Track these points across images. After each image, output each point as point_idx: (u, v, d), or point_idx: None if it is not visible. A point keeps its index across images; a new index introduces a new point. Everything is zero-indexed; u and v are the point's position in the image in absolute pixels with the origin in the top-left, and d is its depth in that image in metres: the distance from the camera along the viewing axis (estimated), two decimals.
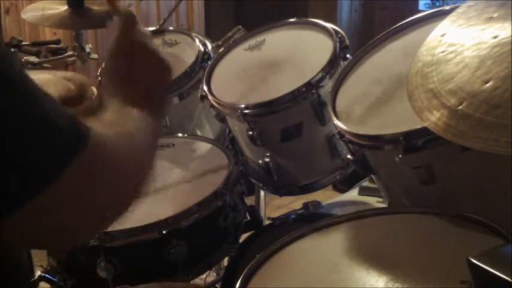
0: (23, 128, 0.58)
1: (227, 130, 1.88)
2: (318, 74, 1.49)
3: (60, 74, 1.79)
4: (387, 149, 1.17)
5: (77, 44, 2.17)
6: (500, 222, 0.99)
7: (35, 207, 0.58)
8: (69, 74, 1.82)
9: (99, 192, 0.66)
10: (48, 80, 1.70)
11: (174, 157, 1.70)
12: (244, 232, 1.64)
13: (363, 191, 1.74)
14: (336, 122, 1.29)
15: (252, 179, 1.74)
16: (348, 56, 1.56)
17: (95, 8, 2.11)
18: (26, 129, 0.58)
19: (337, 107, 1.35)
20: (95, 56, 2.28)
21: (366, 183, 1.75)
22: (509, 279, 0.71)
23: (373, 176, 1.36)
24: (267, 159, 1.59)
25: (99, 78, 1.93)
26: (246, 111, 1.51)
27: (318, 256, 1.08)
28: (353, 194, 1.77)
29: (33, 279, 1.73)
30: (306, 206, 1.66)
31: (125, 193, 0.73)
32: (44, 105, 0.60)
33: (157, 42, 2.01)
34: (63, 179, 0.59)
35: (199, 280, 2.17)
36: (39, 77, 1.75)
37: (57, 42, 2.79)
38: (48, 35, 3.43)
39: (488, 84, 0.87)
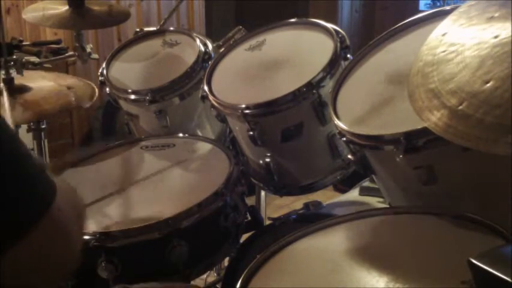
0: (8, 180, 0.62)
1: (228, 130, 1.88)
2: (318, 74, 1.49)
3: (63, 81, 1.80)
4: (388, 149, 1.17)
5: (77, 44, 2.17)
6: (500, 222, 0.99)
7: (12, 256, 0.62)
8: (71, 81, 1.83)
9: (62, 246, 0.70)
10: (50, 90, 1.71)
11: (174, 157, 1.70)
12: (245, 232, 1.64)
13: (364, 191, 1.74)
14: (337, 122, 1.29)
15: (253, 179, 1.74)
16: (348, 56, 1.56)
17: (96, 8, 2.11)
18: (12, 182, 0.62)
19: (338, 107, 1.35)
20: (95, 56, 2.27)
21: (366, 183, 1.75)
22: (510, 280, 0.71)
23: (373, 176, 1.36)
24: (267, 160, 1.59)
25: (100, 78, 1.94)
26: (247, 111, 1.51)
27: (319, 256, 1.08)
28: (354, 194, 1.77)
29: None
30: (306, 206, 1.66)
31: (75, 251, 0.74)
32: (24, 161, 0.65)
33: (158, 42, 2.01)
34: (40, 228, 0.64)
35: (200, 280, 2.18)
36: (42, 85, 1.76)
37: (58, 42, 2.80)
38: (49, 35, 3.43)
39: (488, 85, 0.87)
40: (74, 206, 0.75)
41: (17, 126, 1.92)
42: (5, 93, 1.62)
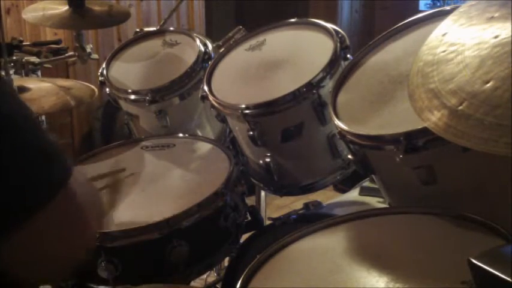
0: (24, 158, 0.63)
1: (228, 130, 1.88)
2: (318, 74, 1.49)
3: (61, 82, 1.80)
4: (388, 149, 1.17)
5: (77, 44, 2.17)
6: (500, 222, 0.99)
7: (26, 232, 0.62)
8: (70, 83, 1.84)
9: (76, 224, 0.70)
10: (48, 91, 1.71)
11: (174, 157, 1.70)
12: (245, 232, 1.64)
13: (364, 191, 1.73)
14: (337, 122, 1.29)
15: (253, 179, 1.74)
16: (348, 56, 1.56)
17: (96, 8, 2.11)
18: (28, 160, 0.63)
19: (338, 107, 1.35)
20: (95, 56, 2.28)
21: (366, 183, 1.74)
22: (510, 280, 0.71)
23: (373, 176, 1.36)
24: (267, 160, 1.59)
25: (100, 79, 1.94)
26: (247, 111, 1.51)
27: (319, 256, 1.08)
28: (354, 194, 1.77)
29: None
30: (306, 206, 1.66)
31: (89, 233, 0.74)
32: (43, 142, 0.66)
33: (158, 42, 2.02)
34: (55, 204, 0.64)
35: (200, 280, 2.18)
36: (40, 86, 1.76)
37: (58, 42, 2.80)
38: (49, 35, 3.43)
39: (488, 85, 0.87)
40: (91, 193, 0.75)
41: None
42: None
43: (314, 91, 1.49)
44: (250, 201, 1.72)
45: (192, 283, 1.57)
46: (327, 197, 1.87)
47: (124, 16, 2.24)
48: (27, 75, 2.25)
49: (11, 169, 0.61)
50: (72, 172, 0.67)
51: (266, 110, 1.51)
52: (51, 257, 0.67)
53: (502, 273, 0.72)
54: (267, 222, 1.76)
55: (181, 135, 1.82)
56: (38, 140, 0.65)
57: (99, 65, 2.14)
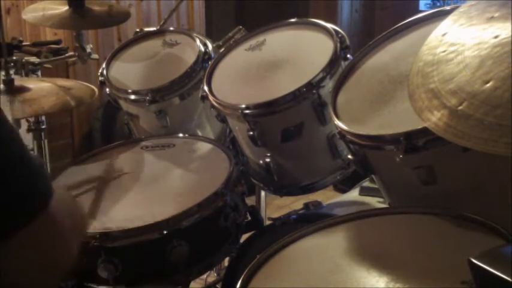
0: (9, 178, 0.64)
1: (228, 130, 1.88)
2: (318, 74, 1.49)
3: (61, 82, 1.80)
4: (388, 149, 1.17)
5: (77, 44, 2.18)
6: (500, 222, 0.99)
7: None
8: (69, 82, 1.83)
9: (58, 243, 0.72)
10: (48, 91, 1.71)
11: (174, 157, 1.70)
12: (245, 232, 1.64)
13: (364, 191, 1.74)
14: (337, 122, 1.29)
15: (253, 179, 1.74)
16: (348, 56, 1.56)
17: (96, 8, 2.11)
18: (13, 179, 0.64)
19: (338, 107, 1.35)
20: (95, 56, 2.28)
21: (366, 183, 1.74)
22: (510, 280, 0.71)
23: (373, 176, 1.36)
24: (267, 160, 1.59)
25: (100, 79, 1.94)
26: (247, 111, 1.51)
27: (319, 256, 1.08)
28: (354, 194, 1.77)
29: None
30: (306, 206, 1.66)
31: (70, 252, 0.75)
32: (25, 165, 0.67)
33: (158, 42, 2.02)
34: (34, 226, 0.65)
35: (200, 280, 2.18)
36: (40, 86, 1.76)
37: (58, 42, 2.80)
38: (49, 35, 3.43)
39: (488, 85, 0.87)
40: (71, 214, 0.75)
41: (17, 122, 1.93)
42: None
43: (314, 91, 1.49)
44: (250, 201, 1.72)
45: (192, 283, 1.57)
46: (327, 197, 1.87)
47: (124, 16, 2.24)
48: (27, 75, 2.25)
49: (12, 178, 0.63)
50: (53, 193, 0.68)
51: (266, 110, 1.51)
52: (29, 269, 0.68)
53: (502, 273, 0.72)
54: (267, 222, 1.76)
55: (181, 135, 1.82)
56: (22, 162, 0.67)
57: (99, 65, 2.14)
